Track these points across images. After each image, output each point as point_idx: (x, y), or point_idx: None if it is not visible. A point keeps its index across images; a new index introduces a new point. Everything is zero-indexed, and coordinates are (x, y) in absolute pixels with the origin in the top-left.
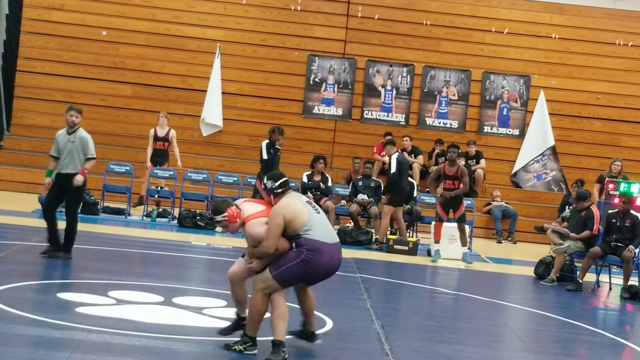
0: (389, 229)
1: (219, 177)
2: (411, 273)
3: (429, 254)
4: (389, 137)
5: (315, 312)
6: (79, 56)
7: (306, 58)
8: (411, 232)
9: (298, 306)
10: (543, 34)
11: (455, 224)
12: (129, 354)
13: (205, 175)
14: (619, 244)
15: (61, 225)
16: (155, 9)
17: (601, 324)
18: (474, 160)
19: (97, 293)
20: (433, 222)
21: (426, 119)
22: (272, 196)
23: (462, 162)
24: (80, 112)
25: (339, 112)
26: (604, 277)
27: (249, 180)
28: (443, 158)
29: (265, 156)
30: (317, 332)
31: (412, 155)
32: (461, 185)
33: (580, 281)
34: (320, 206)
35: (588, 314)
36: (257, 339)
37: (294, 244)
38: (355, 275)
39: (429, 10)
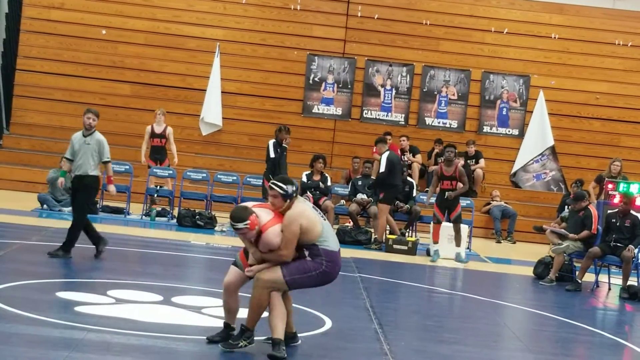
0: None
1: (219, 176)
2: (410, 273)
3: (428, 253)
4: (380, 136)
5: (315, 312)
6: (79, 55)
7: (306, 57)
8: (410, 231)
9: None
10: (542, 33)
11: (451, 225)
12: (128, 353)
13: (204, 175)
14: (618, 244)
15: (61, 224)
16: (154, 8)
17: (600, 324)
18: (473, 160)
19: (97, 292)
20: (431, 224)
21: (426, 118)
22: (287, 201)
23: (461, 161)
24: (97, 115)
25: (339, 111)
26: (603, 277)
27: (248, 179)
28: (442, 158)
29: (272, 155)
30: (316, 331)
31: (411, 155)
32: (459, 185)
33: (580, 281)
34: (320, 206)
35: (587, 314)
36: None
37: (307, 253)
38: (355, 275)
39: (428, 10)
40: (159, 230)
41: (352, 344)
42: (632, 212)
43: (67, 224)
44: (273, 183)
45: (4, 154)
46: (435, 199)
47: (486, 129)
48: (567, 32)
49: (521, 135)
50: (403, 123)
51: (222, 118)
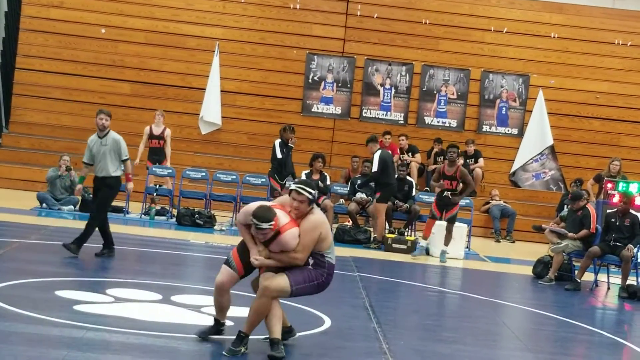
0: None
1: (218, 175)
2: (409, 272)
3: (427, 252)
4: (371, 135)
5: (314, 311)
6: (78, 54)
7: (305, 56)
8: (410, 231)
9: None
10: (542, 33)
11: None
12: (127, 351)
13: (204, 174)
14: (617, 244)
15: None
16: (154, 7)
17: (599, 323)
18: (473, 160)
19: (96, 291)
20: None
21: (425, 117)
22: (311, 206)
23: (460, 161)
24: (109, 115)
25: (338, 110)
26: (602, 277)
27: (247, 178)
28: (442, 157)
29: (279, 155)
30: (315, 330)
31: (410, 154)
32: (460, 186)
33: (579, 280)
34: (319, 205)
35: (586, 313)
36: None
37: (312, 261)
38: (354, 274)
39: (428, 9)
40: (158, 229)
41: (351, 343)
42: (632, 211)
43: (66, 223)
44: (301, 188)
45: (3, 153)
46: (435, 196)
47: (485, 128)
48: (567, 31)
49: (520, 134)
50: (402, 122)
51: (222, 117)
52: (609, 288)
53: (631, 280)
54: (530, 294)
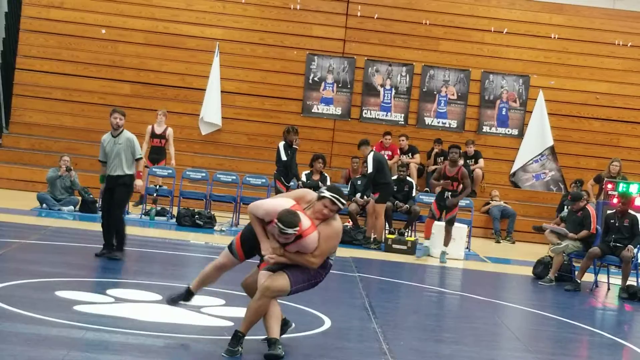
0: (387, 227)
1: (218, 175)
2: (409, 272)
3: (428, 253)
4: (361, 139)
5: (314, 311)
6: (78, 54)
7: (305, 57)
8: (410, 231)
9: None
10: (542, 34)
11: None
12: (126, 352)
13: (204, 174)
14: (617, 244)
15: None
16: (154, 7)
17: (599, 324)
18: (473, 160)
19: (95, 291)
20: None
21: (425, 118)
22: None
23: (461, 162)
24: (124, 115)
25: (338, 111)
26: (602, 277)
27: (247, 179)
28: (442, 158)
29: (284, 157)
30: (315, 331)
31: (410, 155)
32: (460, 187)
33: (579, 281)
34: None
35: (586, 314)
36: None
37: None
38: (354, 275)
39: (428, 9)
40: (158, 229)
41: (351, 344)
42: (631, 211)
43: (66, 223)
44: (336, 198)
45: (3, 153)
46: (435, 196)
47: (486, 128)
48: (567, 32)
49: (521, 135)
50: (402, 123)
51: (222, 117)
52: (609, 289)
53: (631, 281)
54: (530, 294)
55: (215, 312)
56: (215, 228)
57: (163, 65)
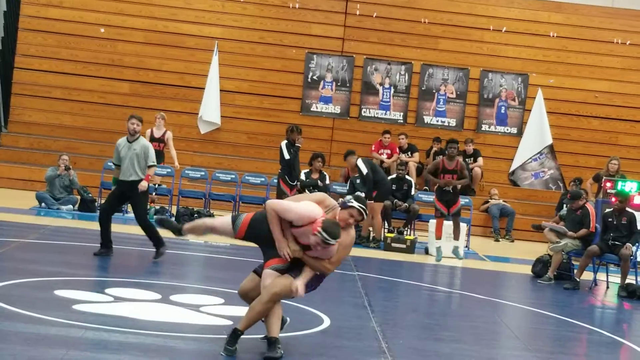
0: (387, 227)
1: (217, 174)
2: (408, 271)
3: (426, 252)
4: (346, 150)
5: (313, 310)
6: (77, 53)
7: (304, 56)
8: (409, 230)
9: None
10: (541, 32)
11: (449, 223)
12: (125, 351)
13: (203, 173)
14: (616, 242)
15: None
16: (153, 6)
17: (598, 322)
18: (472, 159)
19: (95, 290)
20: (432, 221)
21: (424, 117)
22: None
23: (459, 158)
24: (141, 121)
25: (337, 110)
26: (601, 276)
27: (246, 178)
28: (441, 156)
29: (287, 156)
30: (315, 329)
31: (408, 153)
32: (457, 177)
33: (578, 279)
34: None
35: (585, 312)
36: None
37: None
38: (353, 273)
39: (427, 8)
40: (157, 228)
41: (351, 342)
42: (628, 209)
43: (65, 222)
44: (364, 210)
45: (2, 152)
46: (435, 193)
47: (485, 127)
48: (566, 30)
49: (520, 133)
50: (401, 121)
51: (221, 116)
52: (608, 287)
53: (630, 280)
54: (530, 293)
55: (214, 311)
56: None
57: (162, 64)
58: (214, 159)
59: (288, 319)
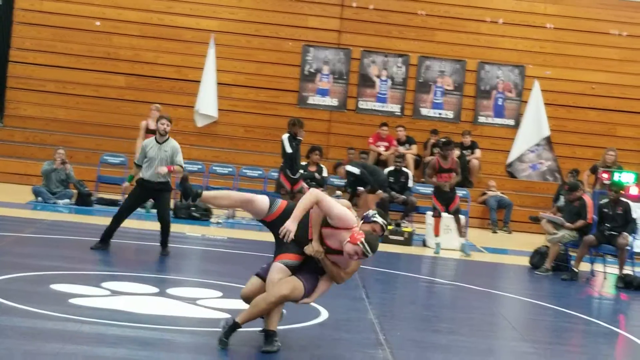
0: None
1: (214, 168)
2: (406, 263)
3: (424, 244)
4: (335, 162)
5: (311, 303)
6: (72, 47)
7: (301, 48)
8: (406, 222)
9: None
10: (537, 23)
11: (450, 216)
12: (122, 344)
13: (200, 166)
14: (612, 232)
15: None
16: None
17: (596, 313)
18: (469, 151)
19: (91, 284)
20: (428, 212)
21: (421, 109)
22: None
23: (456, 152)
24: (170, 121)
25: (334, 102)
26: (598, 267)
27: (244, 171)
28: (438, 148)
29: (289, 150)
30: (312, 322)
31: (407, 145)
32: (453, 175)
33: (576, 270)
34: None
35: (583, 303)
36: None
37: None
38: None
39: (423, 0)
40: (154, 222)
41: (348, 335)
42: (623, 199)
43: (61, 216)
44: (387, 226)
45: None
46: (433, 192)
47: (482, 119)
48: (562, 21)
49: (517, 125)
50: (399, 114)
51: (218, 109)
52: (605, 278)
53: (627, 270)
54: (527, 284)
55: (211, 304)
56: (212, 220)
57: (158, 57)
58: (211, 152)
59: (285, 311)
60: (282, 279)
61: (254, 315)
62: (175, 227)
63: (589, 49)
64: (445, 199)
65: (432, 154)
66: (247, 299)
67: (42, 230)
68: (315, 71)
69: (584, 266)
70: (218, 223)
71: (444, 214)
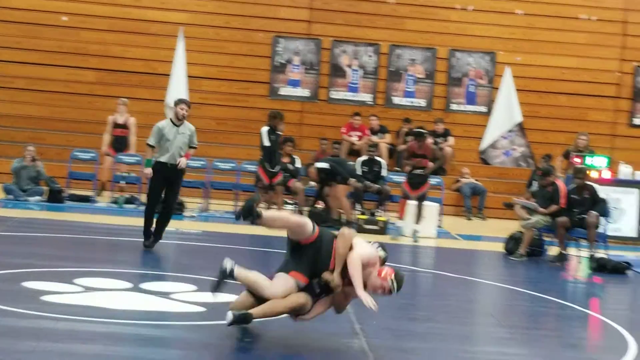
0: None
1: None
2: None
3: (399, 233)
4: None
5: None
6: (40, 42)
7: (271, 39)
8: (381, 211)
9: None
10: (507, 10)
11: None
12: (96, 340)
13: None
14: (583, 216)
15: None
16: None
17: (570, 296)
18: (442, 138)
19: (64, 281)
20: (411, 206)
21: (393, 98)
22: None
23: (430, 140)
24: (189, 106)
25: (306, 93)
26: (571, 251)
27: (216, 164)
28: (412, 137)
29: (266, 143)
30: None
31: (379, 135)
32: (430, 164)
33: (564, 252)
34: (289, 188)
35: (557, 288)
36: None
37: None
38: None
39: None
40: (127, 217)
41: (323, 325)
42: (588, 182)
43: (32, 214)
44: (386, 258)
45: None
46: (406, 175)
47: (454, 106)
48: (532, 7)
49: (489, 112)
50: (371, 103)
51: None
52: (579, 262)
53: (601, 254)
54: (502, 270)
55: (186, 298)
56: (185, 214)
57: (127, 51)
58: None
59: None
60: (292, 291)
61: (268, 315)
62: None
63: (558, 34)
64: (414, 184)
65: (405, 142)
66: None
67: (13, 228)
68: (286, 62)
69: (556, 250)
70: (192, 216)
71: (412, 202)
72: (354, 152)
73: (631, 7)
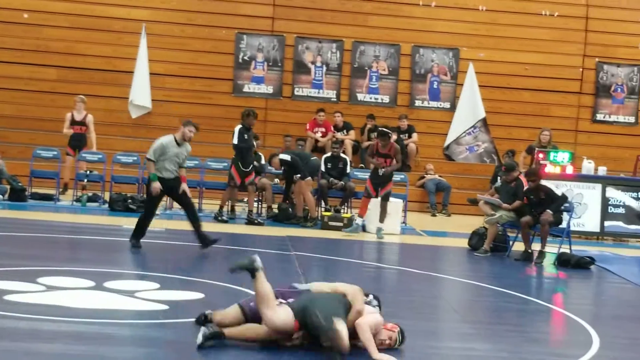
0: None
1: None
2: (346, 249)
3: (364, 229)
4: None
5: (248, 291)
6: (1, 40)
7: (234, 36)
8: (345, 208)
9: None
10: (470, 6)
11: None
12: (59, 339)
13: (135, 158)
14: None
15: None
16: None
17: (534, 292)
18: (406, 135)
19: (26, 280)
20: (376, 205)
21: (357, 94)
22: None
23: (394, 136)
24: (198, 129)
25: (270, 90)
26: (535, 247)
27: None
28: (375, 134)
29: (236, 141)
30: None
31: (344, 131)
32: (394, 162)
33: (530, 251)
34: (256, 184)
35: (521, 283)
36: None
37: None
38: (290, 253)
39: None
40: (90, 215)
41: None
42: (542, 183)
43: (5, 214)
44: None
45: None
46: (370, 174)
47: (418, 103)
48: (495, 3)
49: (453, 108)
50: (335, 99)
51: (152, 100)
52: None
53: (564, 249)
54: (467, 265)
55: (149, 296)
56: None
57: (89, 49)
58: (147, 143)
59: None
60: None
61: (244, 338)
62: (112, 220)
63: (521, 30)
64: (378, 183)
65: (369, 139)
66: (220, 323)
67: None
68: (249, 59)
69: (519, 246)
70: (156, 214)
71: (374, 199)
72: (318, 149)
73: (593, 3)
